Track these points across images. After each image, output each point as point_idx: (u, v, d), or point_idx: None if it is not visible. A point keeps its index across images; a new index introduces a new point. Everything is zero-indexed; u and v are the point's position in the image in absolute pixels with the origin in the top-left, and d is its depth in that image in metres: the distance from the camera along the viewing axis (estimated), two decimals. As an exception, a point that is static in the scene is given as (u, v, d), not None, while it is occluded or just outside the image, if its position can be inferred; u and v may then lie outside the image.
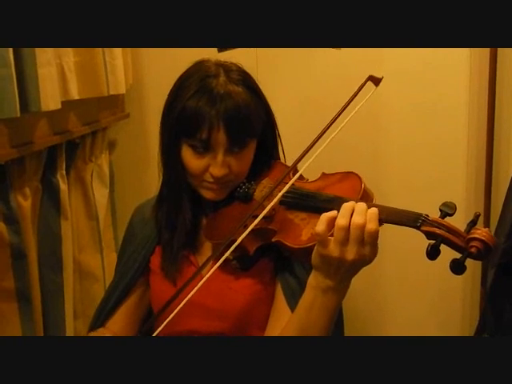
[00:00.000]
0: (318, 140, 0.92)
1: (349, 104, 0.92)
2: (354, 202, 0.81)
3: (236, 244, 0.88)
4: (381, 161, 1.60)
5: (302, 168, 0.94)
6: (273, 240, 0.92)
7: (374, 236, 0.79)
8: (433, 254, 0.75)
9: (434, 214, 0.79)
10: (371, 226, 0.79)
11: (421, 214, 0.78)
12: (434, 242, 0.76)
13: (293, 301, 0.97)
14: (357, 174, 0.91)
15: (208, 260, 0.92)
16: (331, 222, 0.81)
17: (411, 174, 1.59)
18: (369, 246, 0.80)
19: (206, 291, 0.89)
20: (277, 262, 1.03)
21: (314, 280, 0.86)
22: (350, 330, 1.10)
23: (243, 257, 0.98)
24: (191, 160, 0.99)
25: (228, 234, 0.93)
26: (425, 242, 0.77)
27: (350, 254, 0.80)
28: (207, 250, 1.07)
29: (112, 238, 1.73)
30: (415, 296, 1.65)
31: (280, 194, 0.90)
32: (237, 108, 0.95)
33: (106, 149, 1.69)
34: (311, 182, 0.99)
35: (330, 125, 0.92)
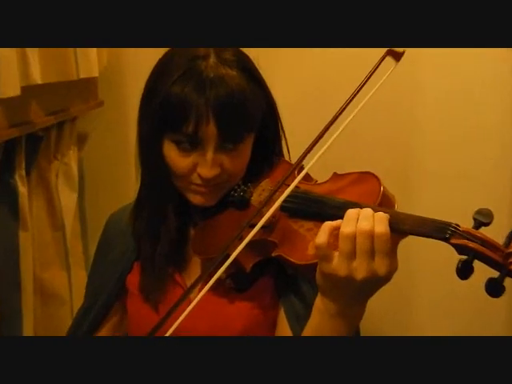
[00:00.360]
0: (326, 130, 0.90)
1: (364, 83, 0.91)
2: (359, 209, 0.80)
3: (230, 260, 0.85)
4: (408, 159, 1.57)
5: (307, 166, 0.92)
6: (273, 254, 0.91)
7: (385, 243, 0.78)
8: (464, 271, 0.73)
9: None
10: (379, 229, 0.77)
11: (450, 224, 0.77)
12: (465, 257, 0.74)
13: (298, 328, 0.96)
14: (374, 175, 0.90)
15: (197, 281, 0.90)
16: (335, 233, 0.80)
17: (446, 175, 1.57)
18: (381, 256, 0.78)
19: (195, 317, 0.87)
20: (278, 280, 1.01)
21: (320, 303, 0.85)
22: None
23: (238, 275, 0.96)
24: (175, 158, 0.98)
25: (220, 248, 0.91)
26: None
27: (360, 270, 0.78)
28: (195, 266, 1.05)
29: (81, 253, 1.70)
30: (449, 319, 1.62)
31: (281, 198, 0.88)
32: (230, 95, 0.94)
33: (75, 144, 1.67)
34: (320, 184, 0.99)
35: (344, 108, 0.90)
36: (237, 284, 1.00)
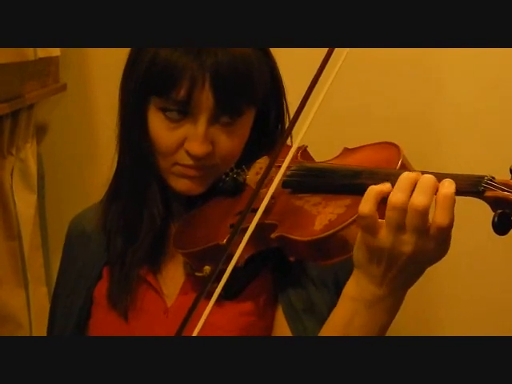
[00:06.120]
0: (304, 104, 0.89)
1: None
2: (417, 174, 0.79)
3: (236, 257, 0.85)
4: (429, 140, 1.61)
5: (298, 137, 0.90)
6: (272, 236, 0.91)
7: (446, 232, 0.78)
8: (502, 224, 0.75)
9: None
10: (442, 219, 0.77)
11: (483, 176, 0.79)
12: (501, 210, 0.76)
13: (300, 326, 0.98)
14: (394, 144, 0.92)
15: (199, 296, 0.88)
16: (381, 199, 0.79)
17: (476, 126, 1.58)
18: (436, 240, 0.78)
19: (174, 330, 0.86)
20: (277, 274, 1.02)
21: (353, 288, 0.84)
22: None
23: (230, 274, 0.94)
24: (161, 131, 0.99)
25: (208, 239, 0.92)
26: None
27: (408, 243, 0.79)
28: (174, 267, 1.06)
29: (41, 266, 1.71)
30: (479, 293, 1.62)
31: (281, 171, 0.88)
32: (232, 61, 0.96)
33: (33, 136, 1.68)
34: (327, 161, 1.00)
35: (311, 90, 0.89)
36: (226, 288, 0.93)
